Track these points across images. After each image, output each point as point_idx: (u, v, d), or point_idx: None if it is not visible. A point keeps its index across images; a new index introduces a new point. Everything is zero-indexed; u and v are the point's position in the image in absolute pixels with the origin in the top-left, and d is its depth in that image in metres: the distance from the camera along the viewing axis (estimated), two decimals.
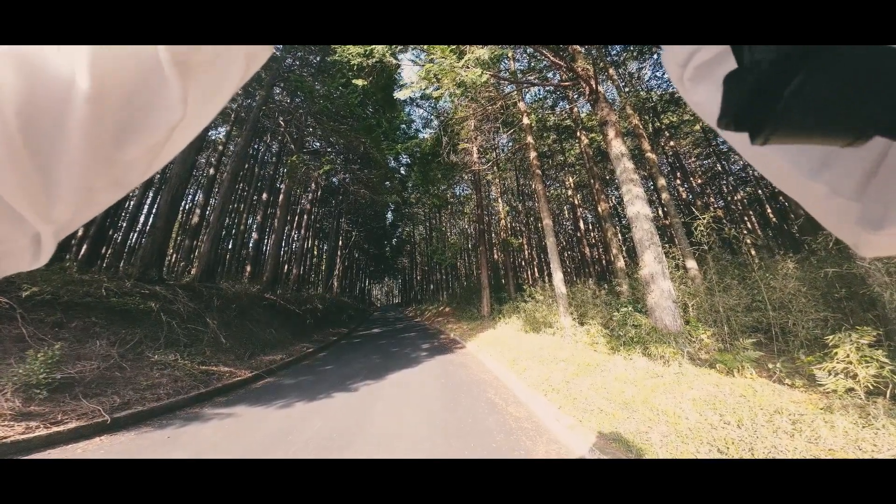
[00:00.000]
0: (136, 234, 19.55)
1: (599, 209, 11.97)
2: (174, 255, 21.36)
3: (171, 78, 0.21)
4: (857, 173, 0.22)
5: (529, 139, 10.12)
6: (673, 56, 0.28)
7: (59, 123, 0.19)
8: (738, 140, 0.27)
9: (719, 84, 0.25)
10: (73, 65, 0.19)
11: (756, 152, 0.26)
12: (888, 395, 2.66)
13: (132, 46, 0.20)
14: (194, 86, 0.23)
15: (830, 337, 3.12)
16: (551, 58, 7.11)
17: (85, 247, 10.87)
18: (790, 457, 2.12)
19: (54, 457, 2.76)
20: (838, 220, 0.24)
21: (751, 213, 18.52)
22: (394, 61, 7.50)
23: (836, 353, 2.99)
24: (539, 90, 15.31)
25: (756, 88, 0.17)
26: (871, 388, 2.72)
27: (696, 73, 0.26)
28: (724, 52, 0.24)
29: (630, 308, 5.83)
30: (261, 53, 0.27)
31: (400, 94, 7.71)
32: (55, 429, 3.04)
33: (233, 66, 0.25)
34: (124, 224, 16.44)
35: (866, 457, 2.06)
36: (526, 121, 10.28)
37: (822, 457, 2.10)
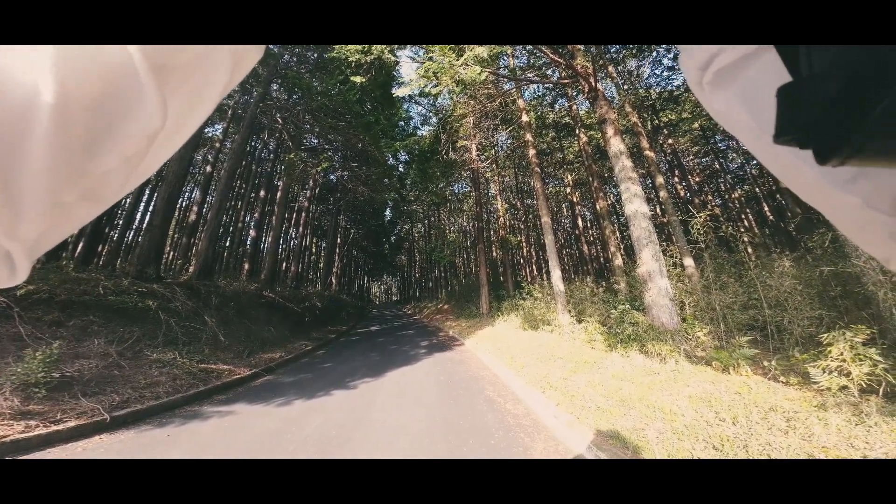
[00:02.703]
0: (132, 232, 19.40)
1: (598, 207, 11.98)
2: (172, 253, 21.27)
3: (146, 82, 0.19)
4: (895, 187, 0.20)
5: (528, 136, 10.11)
6: (692, 58, 0.25)
7: (19, 133, 0.17)
8: (757, 145, 0.25)
9: (745, 89, 0.23)
10: (32, 69, 0.17)
11: (779, 160, 0.24)
12: (881, 393, 2.69)
13: (100, 47, 0.18)
14: (175, 91, 0.21)
15: (825, 335, 3.15)
16: (550, 55, 7.10)
17: (81, 245, 10.82)
18: (784, 454, 2.15)
19: (54, 456, 2.77)
20: (869, 234, 0.23)
21: (748, 211, 18.60)
22: (392, 58, 7.46)
23: (830, 352, 3.02)
24: (538, 87, 15.29)
25: (831, 102, 0.14)
26: (865, 385, 2.75)
27: (718, 78, 0.24)
28: (752, 53, 0.21)
29: (627, 306, 5.86)
30: (250, 55, 0.24)
31: (398, 92, 7.66)
32: (54, 427, 3.04)
33: (219, 69, 0.23)
34: (121, 222, 16.35)
35: (859, 454, 2.09)
36: (525, 118, 10.25)
37: (816, 454, 2.13)
